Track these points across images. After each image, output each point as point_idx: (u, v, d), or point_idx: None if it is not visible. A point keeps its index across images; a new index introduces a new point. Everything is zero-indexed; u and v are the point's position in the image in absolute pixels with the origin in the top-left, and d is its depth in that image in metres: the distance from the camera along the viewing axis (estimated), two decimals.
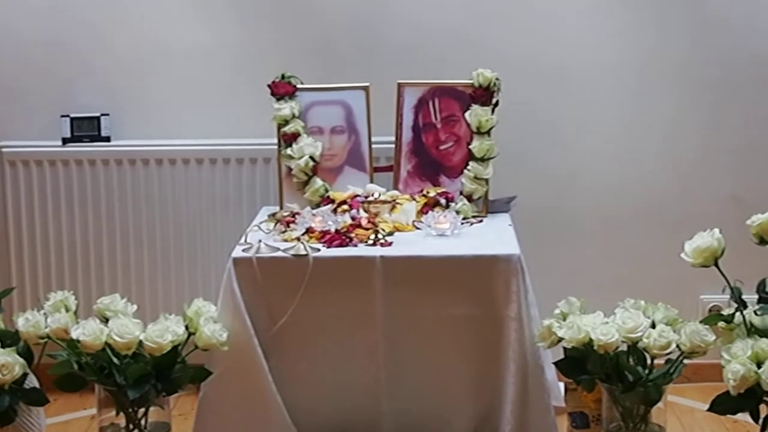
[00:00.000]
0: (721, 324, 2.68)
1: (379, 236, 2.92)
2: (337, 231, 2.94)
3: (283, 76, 3.32)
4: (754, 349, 2.53)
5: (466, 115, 3.26)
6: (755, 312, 2.65)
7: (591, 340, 2.63)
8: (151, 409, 2.74)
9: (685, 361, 2.66)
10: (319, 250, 2.85)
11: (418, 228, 3.08)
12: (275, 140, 3.31)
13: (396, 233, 3.02)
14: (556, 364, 2.79)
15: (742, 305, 2.64)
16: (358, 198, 3.19)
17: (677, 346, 2.62)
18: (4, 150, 3.53)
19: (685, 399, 3.45)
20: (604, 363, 2.66)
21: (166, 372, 2.70)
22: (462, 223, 3.06)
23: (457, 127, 3.29)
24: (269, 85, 3.30)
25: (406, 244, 2.92)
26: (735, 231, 2.74)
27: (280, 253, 2.82)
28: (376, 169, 3.35)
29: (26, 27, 3.53)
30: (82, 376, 2.72)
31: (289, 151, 3.28)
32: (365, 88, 3.31)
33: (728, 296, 2.67)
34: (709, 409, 2.62)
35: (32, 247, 3.55)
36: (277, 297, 2.80)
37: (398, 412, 2.86)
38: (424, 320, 2.82)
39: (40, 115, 3.55)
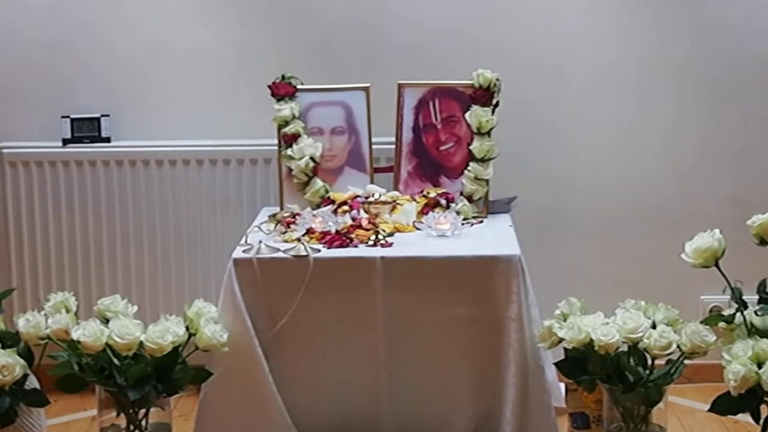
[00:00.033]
0: (722, 324, 2.68)
1: (380, 237, 2.92)
2: (337, 232, 2.94)
3: (283, 77, 3.32)
4: (755, 349, 2.53)
5: (467, 115, 3.26)
6: (756, 312, 2.65)
7: (591, 340, 2.63)
8: (152, 410, 2.74)
9: (686, 361, 2.66)
10: (319, 250, 2.85)
11: (418, 229, 3.08)
12: (275, 141, 3.31)
13: (396, 234, 3.02)
14: (556, 364, 2.79)
15: (743, 306, 2.64)
16: (359, 199, 3.19)
17: (678, 346, 2.63)
18: (5, 151, 3.53)
19: (685, 399, 3.45)
20: (605, 363, 2.66)
21: (167, 373, 2.70)
22: (462, 224, 3.06)
23: (458, 127, 3.29)
24: (269, 86, 3.30)
25: (407, 245, 2.91)
26: (735, 231, 2.74)
27: (280, 254, 2.82)
28: (377, 170, 3.34)
29: (26, 27, 3.52)
30: (82, 377, 2.72)
31: (289, 151, 3.28)
32: (365, 89, 3.31)
33: (729, 297, 2.67)
34: (709, 410, 2.62)
35: (33, 248, 3.54)
36: (278, 298, 2.80)
37: (398, 413, 2.86)
38: (424, 321, 2.82)
39: (41, 116, 3.54)
